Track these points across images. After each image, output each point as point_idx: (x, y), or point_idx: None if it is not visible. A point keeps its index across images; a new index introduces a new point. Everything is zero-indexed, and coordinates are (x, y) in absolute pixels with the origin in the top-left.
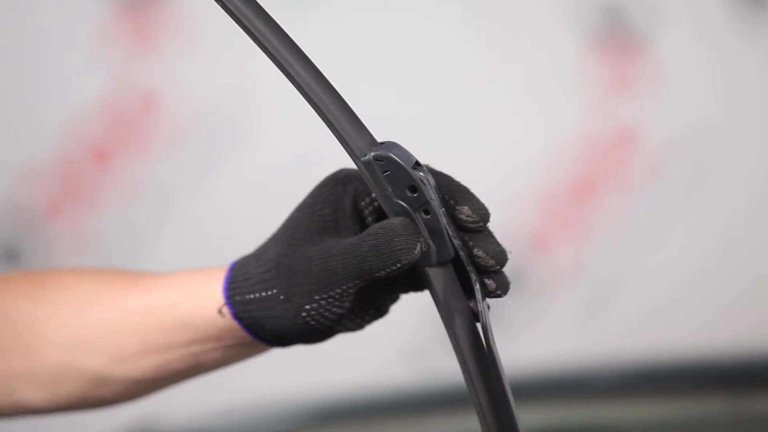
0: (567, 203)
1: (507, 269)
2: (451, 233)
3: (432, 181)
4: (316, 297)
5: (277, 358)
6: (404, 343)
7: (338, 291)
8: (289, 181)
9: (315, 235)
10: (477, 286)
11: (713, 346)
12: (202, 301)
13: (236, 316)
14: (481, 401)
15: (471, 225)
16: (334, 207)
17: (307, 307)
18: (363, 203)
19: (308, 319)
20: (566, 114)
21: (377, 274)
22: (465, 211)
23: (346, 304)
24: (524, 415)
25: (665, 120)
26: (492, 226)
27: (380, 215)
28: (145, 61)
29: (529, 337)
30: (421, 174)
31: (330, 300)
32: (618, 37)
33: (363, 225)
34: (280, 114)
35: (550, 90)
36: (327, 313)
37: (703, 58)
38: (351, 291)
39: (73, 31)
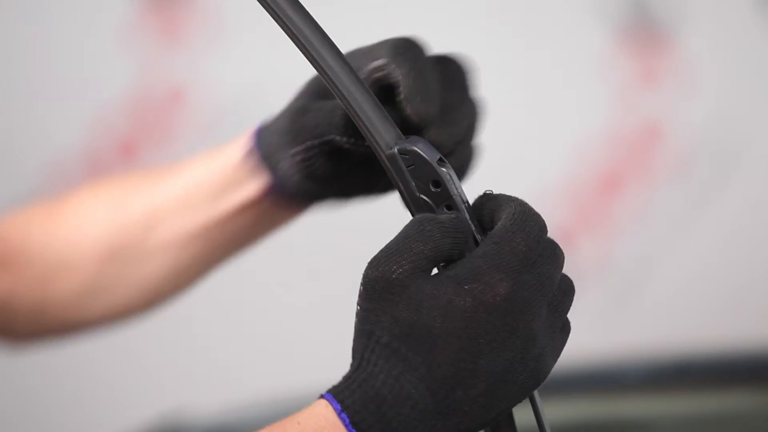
0: (594, 197)
1: None
2: (474, 228)
3: (455, 177)
4: (309, 143)
5: (301, 354)
6: None
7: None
8: None
9: (315, 94)
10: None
11: (741, 339)
12: (228, 169)
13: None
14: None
15: None
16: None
17: (295, 148)
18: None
19: (296, 158)
20: (593, 108)
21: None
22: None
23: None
24: (551, 410)
25: (692, 114)
26: None
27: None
28: (171, 55)
29: None
30: (445, 169)
31: (315, 148)
32: (645, 31)
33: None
34: None
35: (577, 84)
36: (313, 160)
37: (730, 52)
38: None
39: (101, 26)
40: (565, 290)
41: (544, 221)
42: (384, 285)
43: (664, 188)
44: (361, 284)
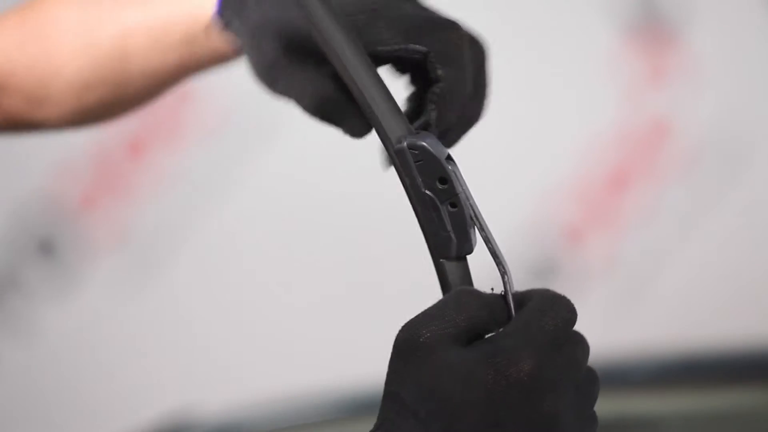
0: (601, 195)
1: (540, 261)
2: (481, 225)
3: (461, 175)
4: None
5: (308, 351)
6: None
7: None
8: (322, 175)
9: None
10: (505, 279)
11: (749, 336)
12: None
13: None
14: None
15: None
16: None
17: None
18: None
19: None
20: (600, 106)
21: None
22: None
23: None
24: None
25: (699, 111)
26: (526, 217)
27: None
28: None
29: None
30: (451, 167)
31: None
32: (653, 30)
33: None
34: None
35: (585, 82)
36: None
37: (738, 50)
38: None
39: None
40: (591, 379)
41: (574, 307)
42: (411, 347)
43: (671, 186)
44: (394, 345)
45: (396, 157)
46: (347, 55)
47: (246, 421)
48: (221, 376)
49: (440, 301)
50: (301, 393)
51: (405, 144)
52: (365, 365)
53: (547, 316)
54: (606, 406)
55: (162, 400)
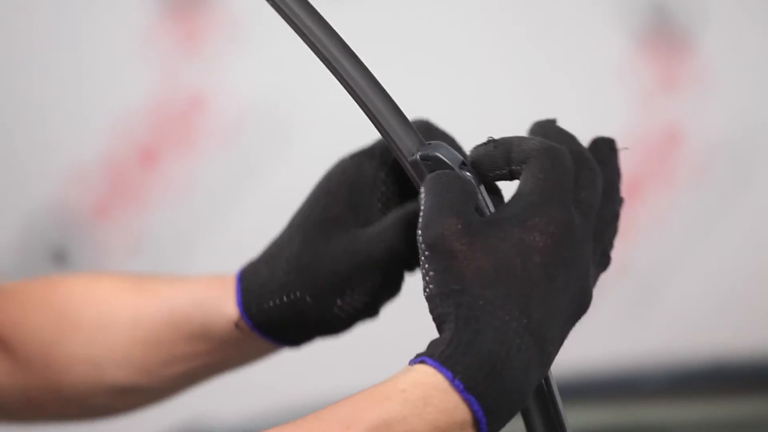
0: None
1: None
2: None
3: (476, 181)
4: (348, 291)
5: (321, 362)
6: None
7: (369, 282)
8: None
9: (331, 226)
10: None
11: (762, 344)
12: (219, 315)
13: (254, 326)
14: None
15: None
16: (352, 189)
17: (339, 302)
18: (380, 176)
19: (340, 313)
20: (613, 113)
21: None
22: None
23: (373, 288)
24: (571, 416)
25: (712, 119)
26: None
27: (399, 184)
28: (192, 62)
29: (576, 336)
30: (468, 174)
31: (361, 290)
32: (665, 36)
33: (385, 201)
34: (326, 115)
35: (597, 89)
36: (357, 303)
37: (750, 58)
38: (381, 278)
39: (121, 32)
40: (608, 221)
41: (570, 148)
42: (453, 239)
43: (683, 193)
44: (425, 250)
45: (411, 169)
46: (354, 76)
47: (261, 429)
48: (236, 386)
49: (429, 193)
50: (317, 401)
51: (418, 156)
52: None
53: (557, 169)
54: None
55: (176, 409)
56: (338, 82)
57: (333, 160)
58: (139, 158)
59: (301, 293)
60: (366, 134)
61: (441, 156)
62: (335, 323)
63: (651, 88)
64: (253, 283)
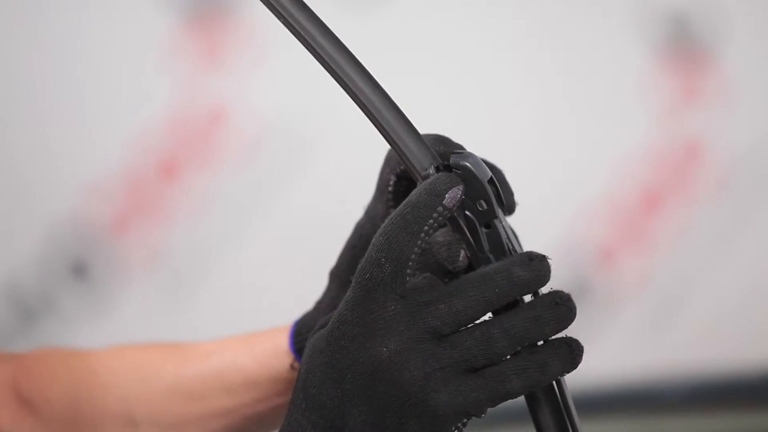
0: (634, 216)
1: (573, 281)
2: (512, 247)
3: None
4: None
5: None
6: None
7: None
8: (358, 196)
9: None
10: None
11: None
12: (270, 358)
13: None
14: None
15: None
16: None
17: None
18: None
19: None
20: (633, 127)
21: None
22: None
23: None
24: (592, 429)
25: (732, 133)
26: (559, 238)
27: None
28: (212, 76)
29: (596, 349)
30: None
31: None
32: (685, 50)
33: None
34: (345, 131)
35: (618, 103)
36: None
37: None
38: None
39: (142, 46)
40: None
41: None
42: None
43: (704, 206)
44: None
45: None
46: (366, 93)
47: None
48: None
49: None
50: None
51: (430, 171)
52: None
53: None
54: (640, 426)
55: None
56: (350, 99)
57: (352, 175)
58: (158, 172)
59: None
60: (383, 151)
61: (471, 168)
62: None
63: (671, 102)
64: (303, 327)
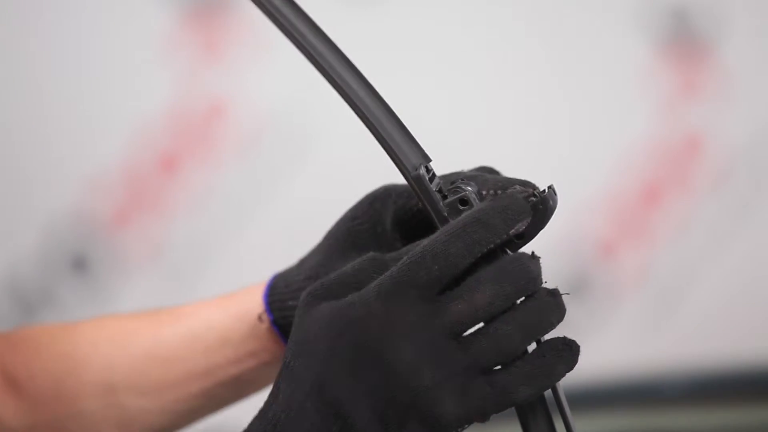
0: (634, 209)
1: (573, 275)
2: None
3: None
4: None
5: None
6: None
7: None
8: (355, 191)
9: (352, 249)
10: None
11: None
12: (243, 314)
13: (275, 322)
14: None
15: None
16: (373, 222)
17: None
18: (405, 218)
19: None
20: (634, 120)
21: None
22: (518, 189)
23: None
24: (592, 423)
25: (733, 126)
26: (559, 231)
27: (423, 230)
28: (212, 70)
29: (596, 343)
30: (469, 188)
31: None
32: (686, 43)
33: (404, 239)
34: (345, 125)
35: (617, 97)
36: None
37: None
38: None
39: (141, 40)
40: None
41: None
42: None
43: (704, 200)
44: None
45: (414, 183)
46: (356, 90)
47: None
48: (264, 391)
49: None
50: None
51: (421, 170)
52: None
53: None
54: (640, 420)
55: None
56: (342, 99)
57: (352, 169)
58: (158, 166)
59: None
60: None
61: (550, 203)
62: None
63: (671, 95)
64: (281, 281)
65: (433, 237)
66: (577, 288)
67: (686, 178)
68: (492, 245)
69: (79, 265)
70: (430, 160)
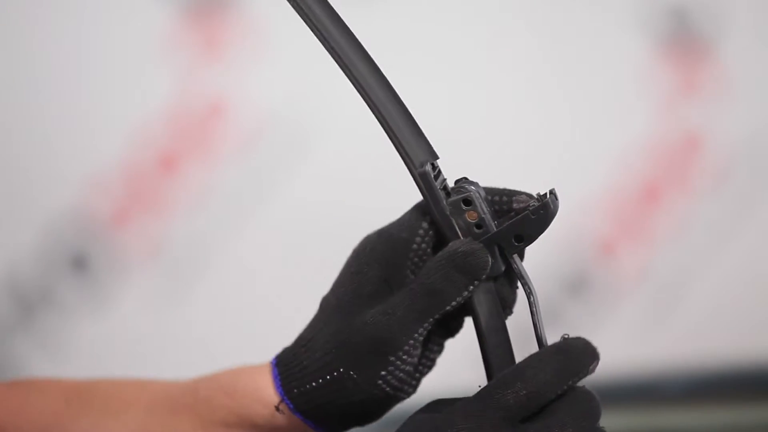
0: (633, 208)
1: (572, 274)
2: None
3: (483, 194)
4: (391, 358)
5: None
6: (471, 349)
7: (411, 342)
8: (356, 190)
9: (367, 300)
10: (532, 299)
11: None
12: (257, 402)
13: (296, 409)
14: None
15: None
16: (382, 264)
17: (383, 372)
18: (413, 249)
19: (384, 386)
20: (632, 119)
21: (450, 305)
22: (523, 198)
23: (416, 355)
24: None
25: (732, 125)
26: (558, 230)
27: (432, 251)
28: (212, 68)
29: (596, 342)
30: (473, 188)
31: (404, 356)
32: (685, 42)
33: (417, 268)
34: (345, 125)
35: (617, 95)
36: (401, 373)
37: None
38: (421, 336)
39: (140, 39)
40: None
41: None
42: None
43: (703, 199)
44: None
45: (420, 180)
46: (371, 84)
47: None
48: None
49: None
50: None
51: (427, 167)
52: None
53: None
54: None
55: None
56: (354, 89)
57: (353, 168)
58: (158, 165)
59: (344, 369)
60: (383, 146)
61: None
62: (379, 399)
63: (671, 94)
64: (293, 367)
65: (525, 363)
66: (577, 287)
67: (686, 177)
68: (577, 378)
69: (79, 263)
70: (438, 158)
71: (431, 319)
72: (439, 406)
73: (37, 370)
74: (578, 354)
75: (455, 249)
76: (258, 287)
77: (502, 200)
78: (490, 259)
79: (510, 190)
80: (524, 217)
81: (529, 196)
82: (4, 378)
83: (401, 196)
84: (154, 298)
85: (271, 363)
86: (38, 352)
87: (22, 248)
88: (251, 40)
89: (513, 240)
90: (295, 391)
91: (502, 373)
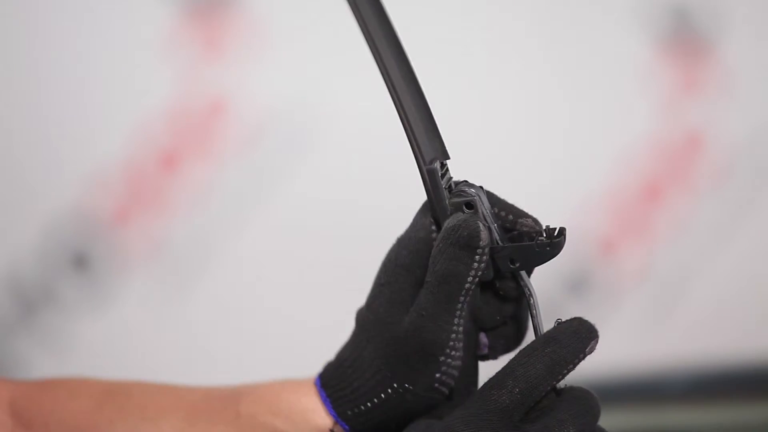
0: (635, 207)
1: (573, 273)
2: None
3: (485, 200)
4: (441, 358)
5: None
6: None
7: (452, 336)
8: (357, 189)
9: (402, 307)
10: (531, 301)
11: None
12: (302, 422)
13: (352, 430)
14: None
15: (533, 234)
16: (409, 269)
17: (437, 375)
18: (433, 246)
19: (441, 387)
20: (634, 118)
21: (468, 282)
22: (529, 222)
23: (460, 348)
24: None
25: (734, 123)
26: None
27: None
28: (213, 66)
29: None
30: (473, 191)
31: (451, 351)
32: (686, 40)
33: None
34: (346, 122)
35: (618, 94)
36: (453, 370)
37: None
38: (459, 327)
39: (141, 37)
40: None
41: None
42: None
43: (705, 197)
44: None
45: (426, 176)
46: (396, 75)
47: None
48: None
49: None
50: None
51: (436, 165)
52: None
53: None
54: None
55: None
56: (380, 74)
57: (354, 167)
58: (159, 163)
59: (398, 383)
60: (384, 142)
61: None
62: (437, 402)
63: (672, 92)
64: (343, 389)
65: (514, 361)
66: (578, 285)
67: (687, 176)
68: (572, 366)
69: (80, 262)
70: (449, 158)
71: (459, 305)
72: (437, 410)
73: (38, 368)
74: (569, 341)
75: (445, 227)
76: (258, 286)
77: (507, 218)
78: (480, 225)
79: (518, 210)
80: (528, 247)
81: (536, 222)
82: (5, 376)
83: (402, 194)
84: (155, 297)
85: (316, 384)
86: (39, 350)
87: (24, 247)
88: (252, 38)
89: (508, 260)
90: (349, 413)
91: (494, 374)
